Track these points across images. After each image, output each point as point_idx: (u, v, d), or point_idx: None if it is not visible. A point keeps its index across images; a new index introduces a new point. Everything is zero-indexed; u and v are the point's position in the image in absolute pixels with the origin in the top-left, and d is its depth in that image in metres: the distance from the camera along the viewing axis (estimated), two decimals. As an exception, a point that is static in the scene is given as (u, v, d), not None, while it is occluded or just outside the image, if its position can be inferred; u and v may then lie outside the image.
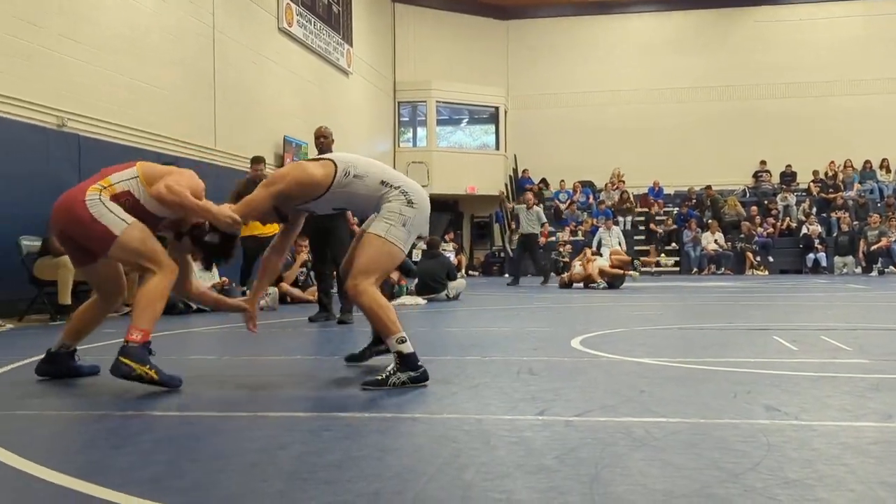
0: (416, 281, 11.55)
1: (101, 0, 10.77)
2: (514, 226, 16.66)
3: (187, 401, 3.70)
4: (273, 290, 10.32)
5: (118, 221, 3.84)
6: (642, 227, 23.60)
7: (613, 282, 14.08)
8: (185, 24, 12.84)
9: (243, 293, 9.80)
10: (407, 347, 3.91)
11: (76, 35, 10.24)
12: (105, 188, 3.90)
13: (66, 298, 8.36)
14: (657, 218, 23.68)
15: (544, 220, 16.32)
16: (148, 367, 3.78)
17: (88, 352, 5.30)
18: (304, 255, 10.94)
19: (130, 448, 2.82)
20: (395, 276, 11.46)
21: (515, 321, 7.87)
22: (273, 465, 2.51)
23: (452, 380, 4.11)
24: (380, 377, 3.88)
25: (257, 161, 10.67)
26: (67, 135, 9.94)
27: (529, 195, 16.81)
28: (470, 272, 22.72)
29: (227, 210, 4.03)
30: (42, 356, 4.34)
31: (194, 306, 9.49)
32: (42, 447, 2.84)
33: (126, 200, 3.92)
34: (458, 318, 8.43)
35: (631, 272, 14.28)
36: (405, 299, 10.71)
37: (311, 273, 11.19)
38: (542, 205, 24.40)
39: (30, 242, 8.84)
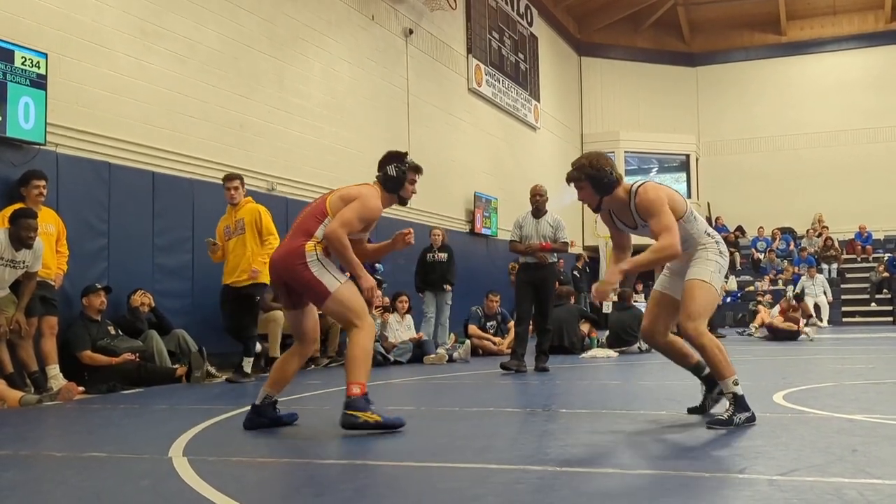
0: (608, 333, 11.38)
1: (307, 73, 11.58)
2: None
3: (387, 450, 3.84)
4: (466, 342, 10.51)
5: (333, 281, 4.29)
6: (849, 275, 22.11)
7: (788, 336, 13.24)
8: (380, 89, 13.53)
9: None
10: (740, 389, 4.15)
11: (285, 106, 11.04)
12: (318, 244, 4.34)
13: (276, 351, 8.88)
14: (866, 265, 22.13)
15: None
16: (370, 413, 4.17)
17: (293, 403, 5.62)
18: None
19: (333, 496, 2.96)
20: (585, 328, 11.37)
21: (713, 375, 7.57)
22: (468, 515, 2.55)
23: (647, 435, 4.03)
24: (723, 417, 4.09)
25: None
26: (277, 198, 10.67)
27: None
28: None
29: (371, 282, 4.43)
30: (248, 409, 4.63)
31: (392, 358, 9.83)
32: (253, 493, 3.04)
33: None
34: (651, 372, 8.22)
35: (805, 329, 13.40)
36: (596, 352, 10.57)
37: (503, 324, 11.32)
38: (738, 252, 23.52)
39: (243, 299, 9.49)
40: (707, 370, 4.50)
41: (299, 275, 4.31)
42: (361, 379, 4.22)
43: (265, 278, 7.53)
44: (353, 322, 4.33)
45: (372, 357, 4.46)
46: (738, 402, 4.12)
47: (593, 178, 4.41)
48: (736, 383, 4.15)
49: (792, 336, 13.17)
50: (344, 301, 4.31)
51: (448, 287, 11.06)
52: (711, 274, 4.28)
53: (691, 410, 4.67)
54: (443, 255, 11.18)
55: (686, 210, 4.37)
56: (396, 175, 4.57)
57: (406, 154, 4.69)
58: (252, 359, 8.04)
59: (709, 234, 4.43)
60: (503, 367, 8.13)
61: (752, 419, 4.12)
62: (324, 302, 4.33)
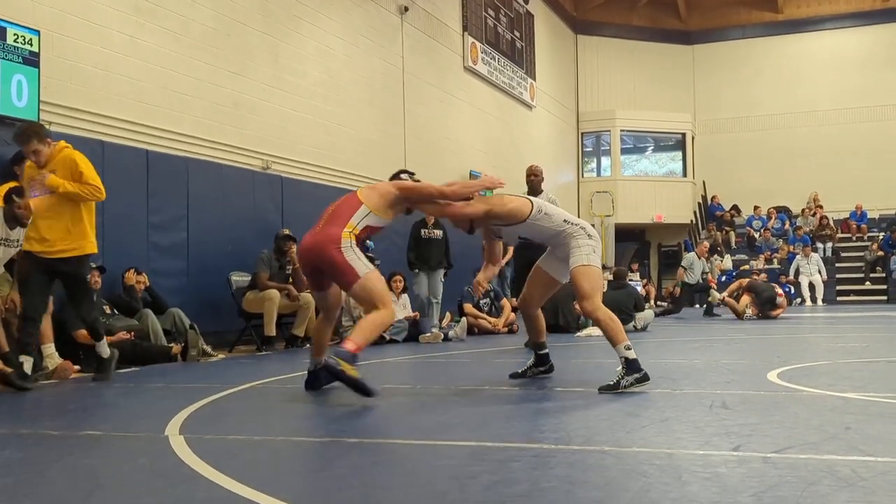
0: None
1: (302, 50, 11.51)
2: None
3: (383, 428, 3.86)
4: (462, 321, 10.53)
5: (363, 268, 4.70)
6: (844, 254, 22.16)
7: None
8: (376, 67, 13.46)
9: None
10: (632, 354, 4.68)
11: (280, 84, 10.99)
12: (351, 232, 4.74)
13: (272, 330, 8.90)
14: (861, 243, 22.19)
15: (707, 269, 16.29)
16: (353, 368, 4.38)
17: (286, 381, 5.62)
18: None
19: (328, 473, 2.97)
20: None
21: (707, 353, 7.61)
22: (462, 493, 2.56)
23: (641, 413, 4.04)
24: (612, 382, 4.64)
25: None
26: (271, 176, 10.64)
27: (705, 244, 17.20)
28: (658, 303, 22.14)
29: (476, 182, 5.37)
30: (304, 373, 5.20)
31: (387, 336, 9.84)
32: (249, 470, 3.05)
33: (367, 234, 4.91)
34: (646, 350, 8.23)
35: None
36: (591, 330, 10.56)
37: (497, 301, 11.34)
38: (733, 231, 23.55)
39: (239, 278, 9.50)
40: (543, 351, 5.51)
41: (332, 257, 4.66)
42: (360, 342, 4.53)
43: (91, 248, 6.02)
44: (377, 306, 4.68)
45: (378, 336, 5.00)
46: (630, 365, 4.66)
47: None
48: (628, 348, 4.68)
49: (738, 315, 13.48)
50: (370, 287, 4.69)
51: (446, 269, 10.96)
52: (588, 256, 4.92)
53: (512, 375, 5.47)
54: (438, 232, 10.72)
55: (531, 212, 4.99)
56: None
57: (413, 173, 5.36)
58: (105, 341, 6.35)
59: (569, 222, 5.03)
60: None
61: (641, 379, 4.64)
62: (351, 286, 4.69)
